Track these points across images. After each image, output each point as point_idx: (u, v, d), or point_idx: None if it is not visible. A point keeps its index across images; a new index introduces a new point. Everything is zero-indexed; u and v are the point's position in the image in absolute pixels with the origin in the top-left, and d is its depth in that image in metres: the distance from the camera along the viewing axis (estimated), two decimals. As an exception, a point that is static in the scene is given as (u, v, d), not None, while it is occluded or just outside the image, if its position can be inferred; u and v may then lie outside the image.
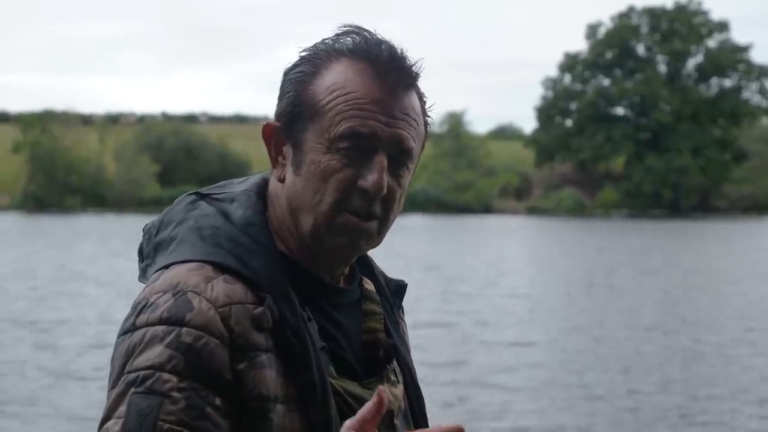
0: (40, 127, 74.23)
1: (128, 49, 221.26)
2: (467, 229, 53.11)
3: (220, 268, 1.80)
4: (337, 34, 1.89)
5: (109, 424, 1.71)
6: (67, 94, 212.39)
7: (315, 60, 1.88)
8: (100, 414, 1.74)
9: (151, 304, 1.77)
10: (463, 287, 24.36)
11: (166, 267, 1.82)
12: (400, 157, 1.85)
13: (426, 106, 1.92)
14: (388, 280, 2.09)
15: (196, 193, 1.95)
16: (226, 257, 1.81)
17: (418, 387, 2.04)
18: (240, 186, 1.95)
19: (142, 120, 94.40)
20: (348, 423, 1.65)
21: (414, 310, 18.68)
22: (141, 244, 1.95)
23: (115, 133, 79.73)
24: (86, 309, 19.96)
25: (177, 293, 1.76)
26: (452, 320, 18.64)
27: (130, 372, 1.72)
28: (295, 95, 1.88)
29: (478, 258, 33.44)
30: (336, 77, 1.85)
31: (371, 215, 1.84)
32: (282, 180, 1.90)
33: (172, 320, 1.74)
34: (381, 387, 1.67)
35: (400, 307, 2.11)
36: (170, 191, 73.27)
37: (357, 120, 1.82)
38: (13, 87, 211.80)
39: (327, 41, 1.89)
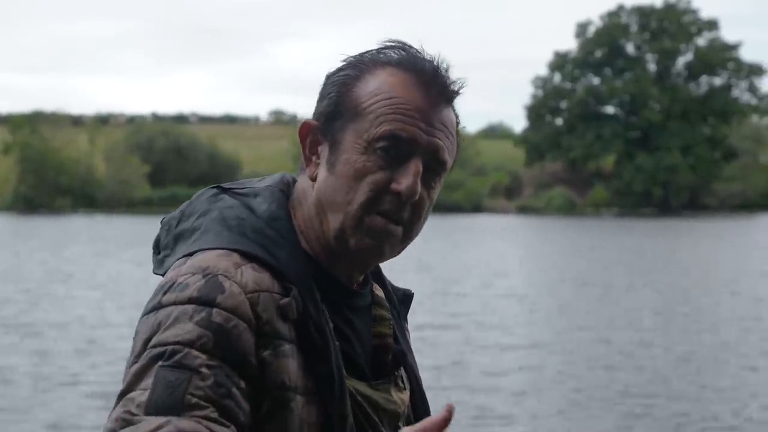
0: (30, 128, 74.06)
1: (118, 50, 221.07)
2: (458, 229, 53.11)
3: (248, 257, 1.80)
4: (382, 48, 1.93)
5: (134, 394, 1.67)
6: (57, 94, 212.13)
7: (360, 65, 1.91)
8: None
9: (179, 284, 1.76)
10: (457, 288, 24.34)
11: (190, 255, 1.82)
12: (434, 166, 1.88)
13: (458, 126, 1.95)
14: (395, 289, 2.11)
15: (217, 187, 1.96)
16: (253, 246, 1.81)
17: (424, 395, 2.06)
18: (261, 183, 1.97)
19: (132, 120, 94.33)
20: (407, 429, 1.68)
21: (411, 312, 18.68)
22: (158, 236, 1.95)
23: (105, 133, 79.63)
24: (76, 311, 19.92)
25: (207, 275, 1.76)
26: (448, 322, 18.59)
27: (155, 346, 1.70)
28: (338, 96, 1.90)
29: (470, 258, 33.45)
30: (380, 83, 1.88)
31: (399, 220, 1.86)
32: (314, 178, 1.90)
33: (202, 300, 1.73)
34: (450, 404, 1.69)
35: (406, 316, 2.13)
36: (160, 192, 73.23)
37: (398, 123, 1.84)
38: (2, 87, 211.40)
39: (372, 51, 1.93)
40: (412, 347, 2.13)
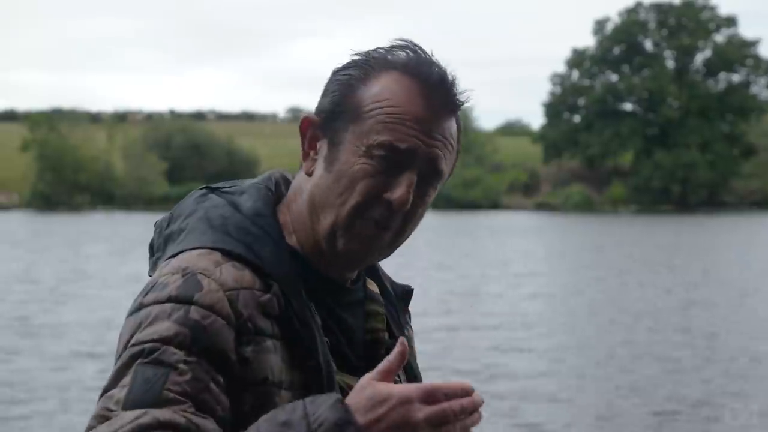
0: (49, 125, 74.34)
1: (136, 47, 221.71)
2: (478, 226, 53.07)
3: (229, 255, 1.82)
4: (392, 46, 1.92)
5: (113, 391, 1.70)
6: (75, 92, 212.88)
7: (366, 66, 1.90)
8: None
9: (159, 284, 1.78)
10: (486, 288, 23.92)
11: (174, 255, 1.84)
12: (430, 176, 1.88)
13: (460, 131, 1.95)
14: (395, 285, 2.11)
15: (206, 188, 1.98)
16: (234, 245, 1.83)
17: None
18: (250, 181, 1.98)
19: (150, 118, 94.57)
20: (368, 375, 1.68)
21: (431, 313, 18.61)
22: (152, 239, 1.97)
23: (123, 131, 79.85)
24: (91, 311, 19.96)
25: (186, 274, 1.78)
26: (475, 323, 18.35)
27: (134, 345, 1.73)
28: (340, 96, 1.90)
29: (493, 256, 33.24)
30: (383, 88, 1.87)
31: (389, 226, 1.87)
32: (310, 174, 1.91)
33: (181, 298, 1.75)
34: (402, 337, 1.69)
35: (407, 312, 2.13)
36: (178, 189, 73.34)
37: (397, 134, 1.84)
38: (21, 85, 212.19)
39: (381, 50, 1.92)
40: (415, 343, 2.13)
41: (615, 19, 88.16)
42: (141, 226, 49.29)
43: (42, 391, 12.56)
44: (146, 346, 1.72)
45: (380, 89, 1.87)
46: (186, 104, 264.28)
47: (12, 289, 23.16)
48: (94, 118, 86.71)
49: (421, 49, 1.91)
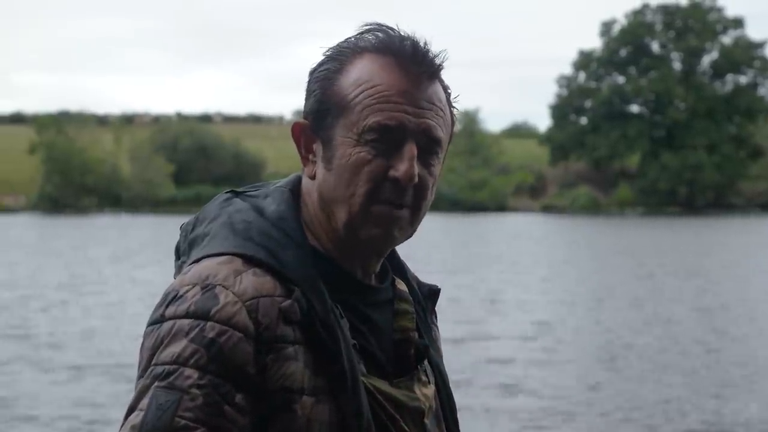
0: (56, 127, 74.49)
1: (143, 49, 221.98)
2: (485, 229, 52.99)
3: (250, 261, 1.82)
4: (360, 32, 1.92)
5: (132, 416, 1.75)
6: (82, 94, 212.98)
7: (339, 57, 1.91)
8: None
9: (180, 297, 1.79)
10: (497, 294, 23.62)
11: (197, 261, 1.85)
12: (429, 146, 1.88)
13: (451, 97, 1.95)
14: (421, 284, 2.10)
15: (231, 191, 1.98)
16: (256, 250, 1.83)
17: (449, 388, 2.05)
18: (275, 184, 1.99)
19: (156, 120, 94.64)
20: None
21: (446, 320, 18.37)
22: (178, 242, 1.99)
23: (130, 133, 79.97)
24: (100, 315, 19.97)
25: (205, 287, 1.79)
26: (488, 331, 18.07)
27: (157, 364, 1.76)
28: (322, 93, 1.90)
29: (502, 260, 33.08)
30: (361, 72, 1.88)
31: (404, 203, 1.87)
32: (313, 177, 1.92)
33: (198, 314, 1.76)
34: None
35: (433, 312, 2.12)
36: (185, 191, 73.46)
37: (384, 113, 1.85)
38: (28, 88, 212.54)
39: (350, 39, 1.92)
40: (442, 345, 2.13)
41: (621, 20, 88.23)
42: (148, 228, 49.33)
43: (42, 399, 12.55)
44: (165, 368, 1.75)
45: (358, 74, 1.87)
46: (193, 106, 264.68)
47: (19, 293, 23.17)
48: (101, 121, 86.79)
49: (387, 26, 1.91)
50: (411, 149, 1.85)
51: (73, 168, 72.16)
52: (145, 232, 45.68)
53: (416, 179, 1.85)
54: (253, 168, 76.19)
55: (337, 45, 1.93)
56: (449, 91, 1.94)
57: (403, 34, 1.90)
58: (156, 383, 1.74)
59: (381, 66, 1.87)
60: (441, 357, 2.09)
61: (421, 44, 1.89)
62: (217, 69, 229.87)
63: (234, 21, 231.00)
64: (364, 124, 1.85)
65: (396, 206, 1.86)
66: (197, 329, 1.75)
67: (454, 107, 1.96)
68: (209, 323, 1.76)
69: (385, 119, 1.84)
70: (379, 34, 1.90)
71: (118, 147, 76.79)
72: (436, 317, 2.14)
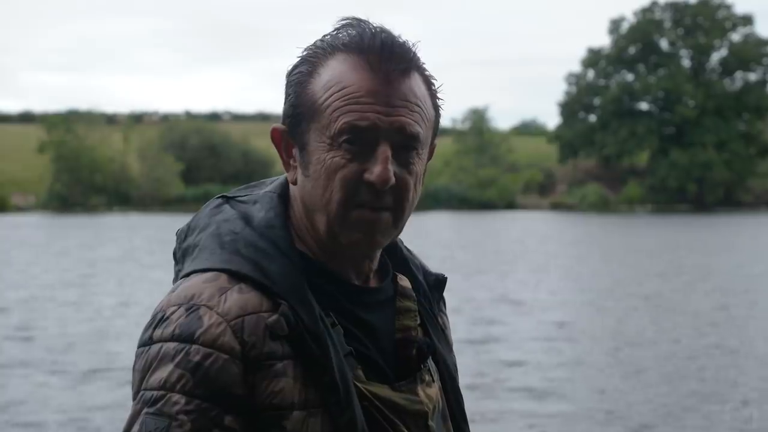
0: (65, 126, 74.69)
1: (152, 48, 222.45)
2: (494, 227, 52.97)
3: (236, 277, 1.80)
4: (336, 29, 1.87)
5: None
6: (92, 93, 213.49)
7: (312, 59, 1.87)
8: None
9: (166, 318, 1.78)
10: (510, 294, 23.48)
11: (187, 275, 1.84)
12: (405, 144, 1.83)
13: (433, 88, 1.89)
14: (427, 273, 2.07)
15: (222, 197, 1.97)
16: (242, 264, 1.80)
17: (456, 381, 2.02)
18: (265, 188, 1.96)
19: (165, 119, 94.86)
20: None
21: (460, 321, 18.33)
22: (174, 248, 1.97)
23: (139, 132, 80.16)
24: (107, 317, 19.98)
25: (189, 308, 1.77)
26: (500, 333, 18.07)
27: (146, 389, 1.76)
28: (295, 97, 1.87)
29: (514, 259, 33.08)
30: (331, 74, 1.84)
31: (383, 206, 1.83)
32: (295, 182, 1.90)
33: (183, 337, 1.75)
34: None
35: (441, 300, 2.09)
36: (194, 190, 73.55)
37: (354, 114, 1.80)
38: (37, 87, 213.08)
39: (325, 38, 1.88)
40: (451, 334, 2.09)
41: (630, 18, 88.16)
42: (157, 227, 49.40)
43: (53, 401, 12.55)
44: (153, 393, 1.74)
45: (329, 77, 1.83)
46: (201, 105, 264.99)
47: (31, 293, 23.20)
48: (110, 120, 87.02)
49: (364, 21, 1.87)
50: (384, 151, 1.80)
51: (83, 167, 72.35)
52: (155, 230, 45.68)
53: (392, 181, 1.80)
54: (261, 166, 76.26)
55: (312, 45, 1.89)
56: (433, 80, 1.89)
57: (374, 30, 1.84)
58: (145, 409, 1.74)
59: (350, 66, 1.83)
60: (450, 345, 2.06)
61: (392, 39, 1.84)
62: (226, 68, 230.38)
63: (242, 20, 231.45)
64: (335, 127, 1.81)
65: (374, 209, 1.82)
66: (182, 353, 1.74)
67: (438, 98, 1.90)
68: (194, 346, 1.74)
69: (355, 120, 1.80)
70: (351, 31, 1.85)
71: (127, 146, 76.95)
72: (444, 305, 2.11)
